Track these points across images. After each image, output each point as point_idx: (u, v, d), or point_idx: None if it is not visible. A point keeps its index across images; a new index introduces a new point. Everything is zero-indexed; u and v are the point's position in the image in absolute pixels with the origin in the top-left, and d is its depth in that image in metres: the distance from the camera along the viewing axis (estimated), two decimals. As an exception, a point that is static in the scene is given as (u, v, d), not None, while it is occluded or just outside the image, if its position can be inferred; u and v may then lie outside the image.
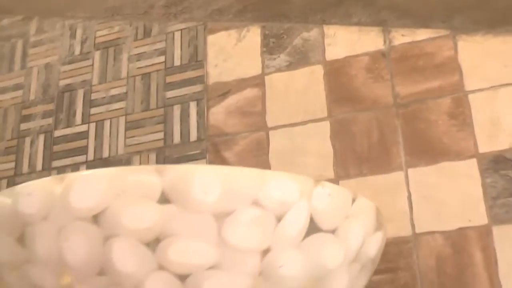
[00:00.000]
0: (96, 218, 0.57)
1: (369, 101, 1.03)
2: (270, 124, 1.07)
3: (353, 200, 0.65)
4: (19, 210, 0.60)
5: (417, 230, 0.95)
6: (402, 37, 1.04)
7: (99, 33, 1.24)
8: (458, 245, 0.93)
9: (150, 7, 1.16)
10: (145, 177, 0.57)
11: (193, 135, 1.09)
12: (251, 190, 0.59)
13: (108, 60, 1.21)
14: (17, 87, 1.29)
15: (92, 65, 1.22)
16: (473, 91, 0.99)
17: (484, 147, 0.96)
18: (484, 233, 0.92)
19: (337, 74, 1.05)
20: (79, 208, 0.57)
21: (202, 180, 0.58)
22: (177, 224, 0.57)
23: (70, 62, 1.25)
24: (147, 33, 1.20)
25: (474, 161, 0.96)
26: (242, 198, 0.58)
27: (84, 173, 0.61)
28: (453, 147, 0.97)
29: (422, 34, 1.03)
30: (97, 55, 1.22)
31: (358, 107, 1.03)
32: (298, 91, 1.07)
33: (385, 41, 1.05)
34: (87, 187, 0.58)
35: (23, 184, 0.60)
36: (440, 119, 0.99)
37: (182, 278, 0.58)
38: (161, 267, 0.58)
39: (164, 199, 0.57)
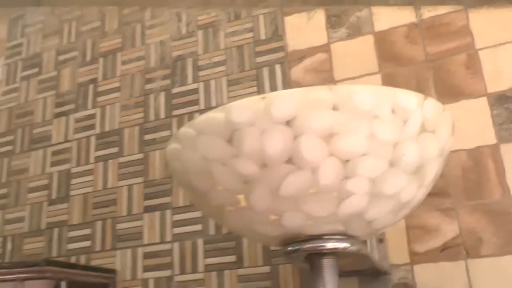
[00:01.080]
0: (289, 123, 0.62)
1: (407, 59, 1.06)
2: (336, 78, 1.10)
3: (443, 111, 0.71)
4: (231, 120, 0.64)
5: (448, 148, 0.99)
6: (428, 12, 1.08)
7: (199, 18, 1.26)
8: (476, 159, 0.97)
9: (234, -2, 1.20)
10: (322, 93, 0.62)
11: (279, 88, 1.12)
12: (390, 101, 0.63)
13: (209, 36, 1.24)
14: (139, 58, 1.31)
15: (197, 40, 1.25)
16: (481, 49, 1.03)
17: (491, 89, 1.00)
18: (495, 149, 0.96)
19: (383, 41, 1.09)
20: (277, 116, 0.62)
21: (361, 94, 0.63)
22: (343, 125, 0.62)
23: (179, 39, 1.27)
24: (237, 16, 1.22)
25: (484, 98, 1.00)
26: (384, 107, 0.63)
27: (280, 92, 0.65)
28: (469, 90, 1.01)
29: (442, 10, 1.07)
30: (200, 33, 1.25)
31: (399, 63, 1.07)
32: (355, 54, 1.10)
33: (416, 16, 1.08)
34: (283, 101, 0.62)
35: (235, 102, 0.64)
36: (459, 70, 1.03)
37: (344, 162, 0.63)
38: (331, 154, 0.63)
39: (335, 108, 0.62)
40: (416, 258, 0.96)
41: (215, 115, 0.66)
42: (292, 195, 0.66)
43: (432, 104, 0.68)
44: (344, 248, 0.74)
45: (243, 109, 0.64)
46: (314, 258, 0.77)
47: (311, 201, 0.67)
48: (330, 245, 0.73)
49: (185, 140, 0.71)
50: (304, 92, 0.62)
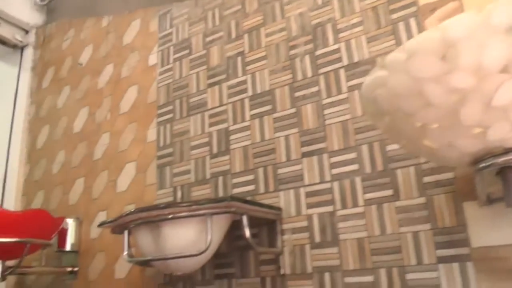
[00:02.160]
0: (507, 31, 0.55)
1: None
2: (470, 24, 1.00)
3: None
4: (448, 37, 0.58)
5: None
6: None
7: (334, -11, 1.20)
8: None
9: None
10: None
11: (416, 39, 1.04)
12: None
13: (344, 3, 1.17)
14: (281, 30, 1.26)
15: (333, 8, 1.18)
16: None
17: None
18: None
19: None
20: (497, 25, 0.56)
21: None
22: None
23: (316, 9, 1.22)
24: (368, -17, 1.15)
25: None
26: None
27: (498, 2, 0.57)
28: None
29: None
30: (335, 2, 1.18)
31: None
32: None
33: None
34: (502, 10, 0.55)
35: (449, 20, 0.58)
36: None
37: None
38: None
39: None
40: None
41: (430, 35, 0.60)
42: (504, 105, 0.59)
43: None
44: (537, 158, 0.66)
45: (461, 24, 0.58)
46: (507, 172, 0.69)
47: (520, 109, 0.59)
48: (523, 156, 0.66)
49: (393, 65, 0.65)
50: (518, 4, 0.55)
